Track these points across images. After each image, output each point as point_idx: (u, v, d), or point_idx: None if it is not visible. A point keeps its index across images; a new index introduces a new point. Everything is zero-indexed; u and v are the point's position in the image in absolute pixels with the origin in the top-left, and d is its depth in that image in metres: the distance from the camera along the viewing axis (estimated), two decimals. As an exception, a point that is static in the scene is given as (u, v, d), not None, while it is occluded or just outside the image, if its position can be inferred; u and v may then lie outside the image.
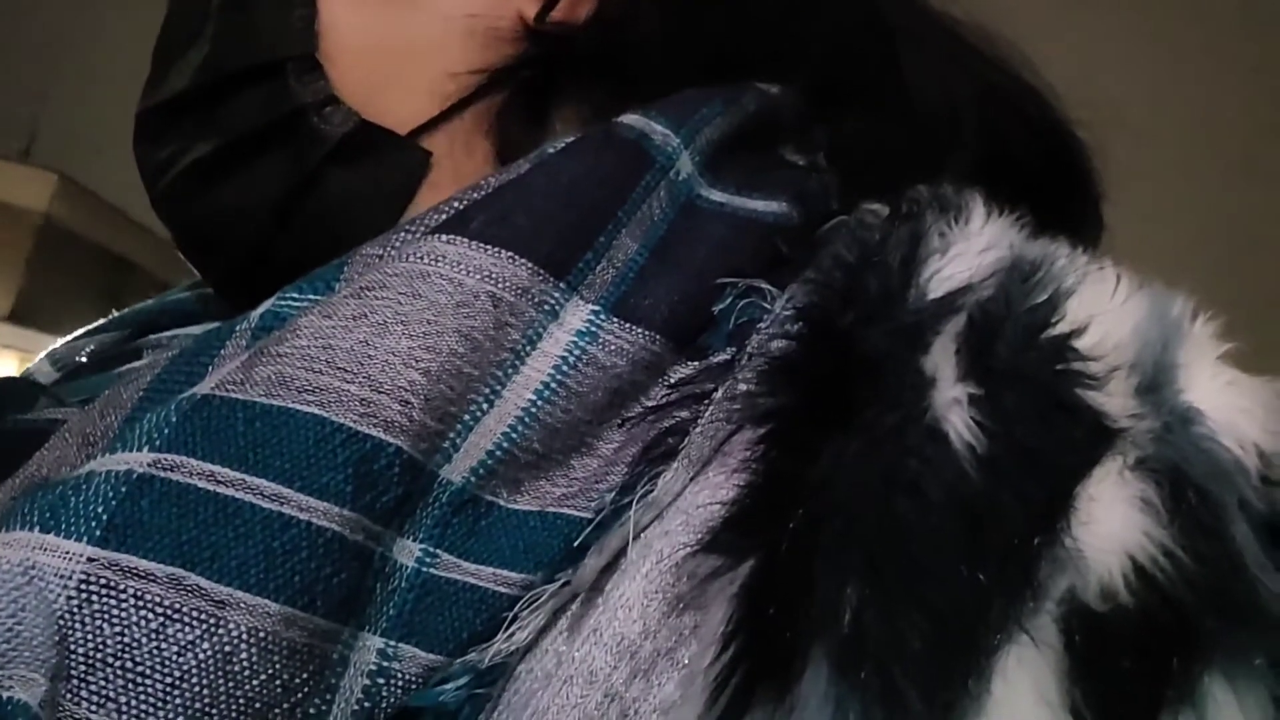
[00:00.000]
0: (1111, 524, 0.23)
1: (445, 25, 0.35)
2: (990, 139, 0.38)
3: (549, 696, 0.25)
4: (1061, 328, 0.27)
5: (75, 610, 0.23)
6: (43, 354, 0.41)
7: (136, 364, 0.37)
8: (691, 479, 0.27)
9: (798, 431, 0.26)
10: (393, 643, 0.25)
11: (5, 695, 0.21)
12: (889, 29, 0.38)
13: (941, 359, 0.26)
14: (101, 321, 0.43)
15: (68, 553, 0.23)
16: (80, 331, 0.43)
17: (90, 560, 0.23)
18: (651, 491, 0.27)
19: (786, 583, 0.24)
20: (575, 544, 0.27)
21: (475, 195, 0.31)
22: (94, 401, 0.29)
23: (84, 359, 0.40)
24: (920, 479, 0.24)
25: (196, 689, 0.23)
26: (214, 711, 0.23)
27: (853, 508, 0.24)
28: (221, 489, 0.24)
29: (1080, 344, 0.26)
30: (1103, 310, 0.27)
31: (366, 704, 0.25)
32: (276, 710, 0.23)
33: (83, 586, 0.23)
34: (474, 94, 0.35)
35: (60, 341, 0.42)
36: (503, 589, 0.26)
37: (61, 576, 0.23)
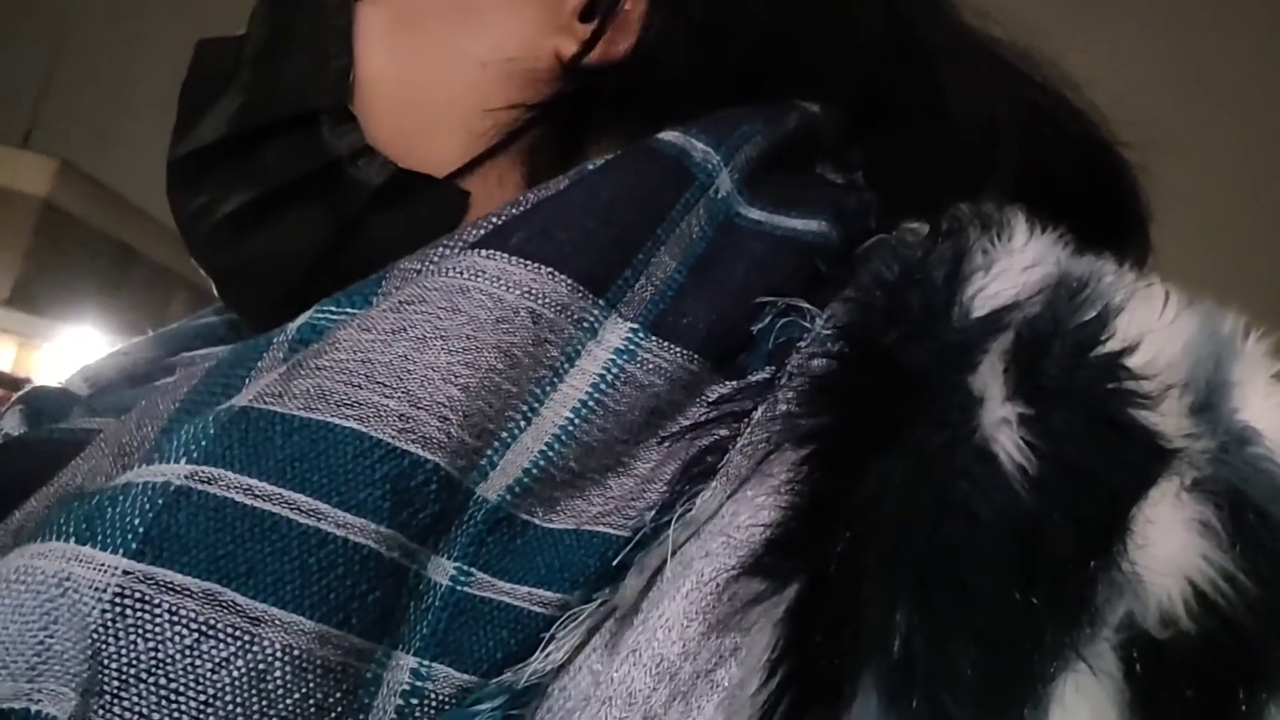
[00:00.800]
0: (1170, 547, 0.23)
1: (483, 71, 0.35)
2: (1032, 158, 0.37)
3: (587, 718, 0.24)
4: (1112, 345, 0.26)
5: (109, 624, 0.22)
6: (76, 370, 0.41)
7: (170, 379, 0.37)
8: (729, 496, 0.27)
9: (841, 452, 0.26)
10: (426, 662, 0.25)
11: (35, 709, 0.21)
12: (927, 48, 0.38)
13: (989, 378, 0.25)
14: (134, 340, 0.43)
15: (103, 565, 0.23)
16: (113, 349, 0.43)
17: (126, 573, 0.23)
18: (690, 510, 0.27)
19: (833, 607, 0.23)
20: (614, 563, 0.26)
21: (514, 211, 0.30)
22: (129, 412, 0.29)
23: (116, 375, 0.40)
24: (970, 500, 0.23)
25: (230, 707, 0.22)
26: None
27: (901, 530, 0.23)
28: (259, 503, 0.24)
29: (1131, 362, 0.26)
30: (1153, 327, 0.27)
31: None
32: None
33: (117, 600, 0.23)
34: (512, 134, 0.35)
35: (94, 359, 0.42)
36: (538, 608, 0.26)
37: (96, 589, 0.23)
